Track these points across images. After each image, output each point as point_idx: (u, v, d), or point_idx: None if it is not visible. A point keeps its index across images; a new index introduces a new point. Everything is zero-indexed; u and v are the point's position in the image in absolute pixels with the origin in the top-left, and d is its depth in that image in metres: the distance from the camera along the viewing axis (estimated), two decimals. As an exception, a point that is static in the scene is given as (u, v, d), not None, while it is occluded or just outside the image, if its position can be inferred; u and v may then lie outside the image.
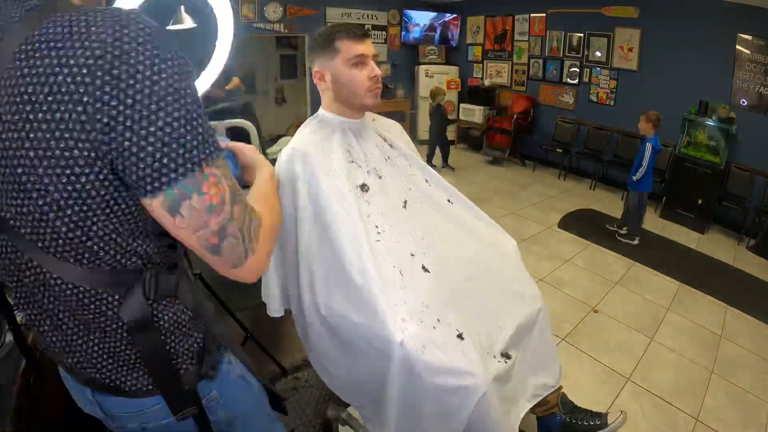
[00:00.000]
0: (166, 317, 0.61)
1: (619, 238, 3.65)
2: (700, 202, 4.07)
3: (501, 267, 1.21)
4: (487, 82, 6.50)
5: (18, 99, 0.45)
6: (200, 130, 0.49)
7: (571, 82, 5.48)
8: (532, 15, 5.72)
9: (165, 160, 0.46)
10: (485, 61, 6.57)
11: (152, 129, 0.45)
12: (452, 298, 1.05)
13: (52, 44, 0.44)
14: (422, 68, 6.59)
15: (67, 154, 0.46)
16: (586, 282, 2.97)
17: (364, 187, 1.09)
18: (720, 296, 2.90)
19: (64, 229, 0.50)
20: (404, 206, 1.14)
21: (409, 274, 1.02)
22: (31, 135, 0.45)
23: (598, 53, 5.11)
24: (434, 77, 6.54)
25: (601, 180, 5.22)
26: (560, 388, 1.29)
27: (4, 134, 0.46)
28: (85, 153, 0.46)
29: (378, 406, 1.00)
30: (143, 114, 0.45)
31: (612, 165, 4.99)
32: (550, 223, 3.96)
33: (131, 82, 0.44)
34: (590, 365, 2.16)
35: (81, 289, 0.55)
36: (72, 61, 0.43)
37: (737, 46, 3.92)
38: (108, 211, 0.51)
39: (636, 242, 3.59)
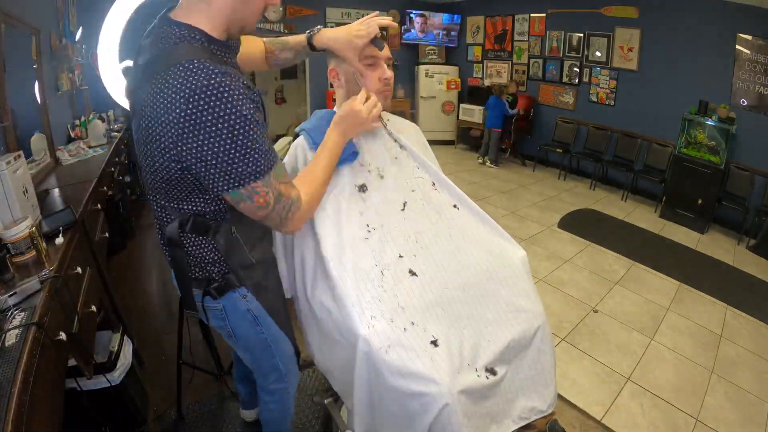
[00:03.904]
0: (190, 244, 0.90)
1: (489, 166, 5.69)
2: (699, 202, 4.07)
3: (502, 278, 1.16)
4: (487, 82, 6.50)
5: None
6: (253, 154, 0.73)
7: (571, 82, 5.48)
8: (532, 15, 5.73)
9: (228, 177, 0.74)
10: (485, 61, 6.58)
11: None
12: (438, 304, 1.03)
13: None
14: (422, 68, 6.59)
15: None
16: (586, 282, 2.97)
17: (362, 188, 1.10)
18: (720, 296, 2.91)
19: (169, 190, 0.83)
20: (403, 208, 1.13)
21: (392, 274, 1.03)
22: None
23: (598, 53, 5.12)
24: (434, 77, 6.55)
25: (601, 180, 5.23)
26: (552, 414, 1.20)
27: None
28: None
29: (350, 396, 1.01)
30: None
31: (612, 165, 4.99)
32: (550, 223, 3.97)
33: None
34: (590, 365, 2.16)
35: (168, 212, 0.87)
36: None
37: (737, 46, 3.93)
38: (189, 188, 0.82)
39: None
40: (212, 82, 0.67)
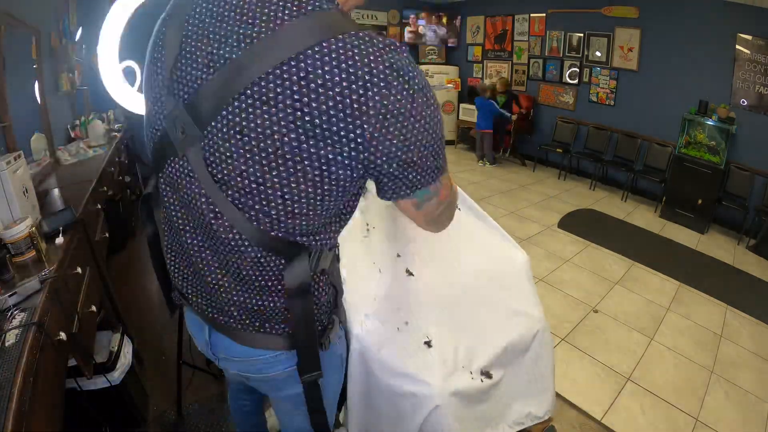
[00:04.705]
0: (317, 289, 0.68)
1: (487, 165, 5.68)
2: (700, 202, 4.07)
3: (502, 281, 1.15)
4: (487, 82, 6.50)
5: None
6: (440, 149, 0.58)
7: (571, 82, 5.48)
8: (532, 15, 5.72)
9: (426, 173, 0.58)
10: (485, 61, 6.58)
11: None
12: (435, 305, 1.03)
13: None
14: (422, 68, 6.58)
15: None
16: (586, 282, 2.97)
17: (361, 188, 1.10)
18: (720, 296, 2.91)
19: (282, 205, 0.55)
20: None
21: (389, 273, 1.02)
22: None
23: (598, 53, 5.11)
24: (434, 77, 6.55)
25: (601, 180, 5.23)
26: (549, 420, 1.18)
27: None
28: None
29: (344, 393, 1.01)
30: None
31: (612, 165, 4.99)
32: (550, 223, 3.96)
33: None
34: (590, 365, 2.16)
35: (258, 249, 0.59)
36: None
37: (737, 46, 3.93)
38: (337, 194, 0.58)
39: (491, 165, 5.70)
40: (406, 56, 0.51)
